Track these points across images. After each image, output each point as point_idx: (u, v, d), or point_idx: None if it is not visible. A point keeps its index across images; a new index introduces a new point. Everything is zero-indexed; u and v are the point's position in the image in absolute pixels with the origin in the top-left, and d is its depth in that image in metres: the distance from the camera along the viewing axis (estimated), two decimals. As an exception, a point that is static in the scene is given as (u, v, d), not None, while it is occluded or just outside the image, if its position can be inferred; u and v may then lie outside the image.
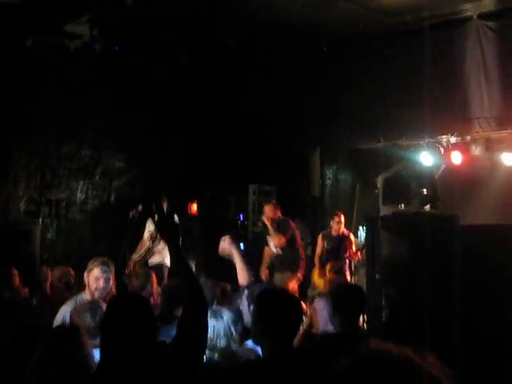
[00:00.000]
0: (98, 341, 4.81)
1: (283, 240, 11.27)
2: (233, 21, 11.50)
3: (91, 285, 6.34)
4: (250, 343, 4.65)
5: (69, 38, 12.23)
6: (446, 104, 11.68)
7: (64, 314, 6.05)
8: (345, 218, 12.16)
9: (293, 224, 11.68)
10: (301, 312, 3.98)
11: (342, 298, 5.28)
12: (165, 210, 3.70)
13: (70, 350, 3.77)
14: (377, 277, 8.61)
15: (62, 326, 4.98)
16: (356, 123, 13.21)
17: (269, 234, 11.59)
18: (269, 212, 11.60)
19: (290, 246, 11.34)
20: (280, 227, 11.39)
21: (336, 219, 11.80)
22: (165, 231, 3.53)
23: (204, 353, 3.57)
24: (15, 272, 8.31)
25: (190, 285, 3.35)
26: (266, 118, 14.00)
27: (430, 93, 11.64)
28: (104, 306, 5.50)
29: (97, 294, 6.28)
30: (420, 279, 7.11)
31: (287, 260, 11.31)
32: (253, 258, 14.21)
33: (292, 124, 13.98)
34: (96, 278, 6.35)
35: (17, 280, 8.27)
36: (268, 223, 11.43)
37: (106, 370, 3.14)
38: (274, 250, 11.55)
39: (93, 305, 5.39)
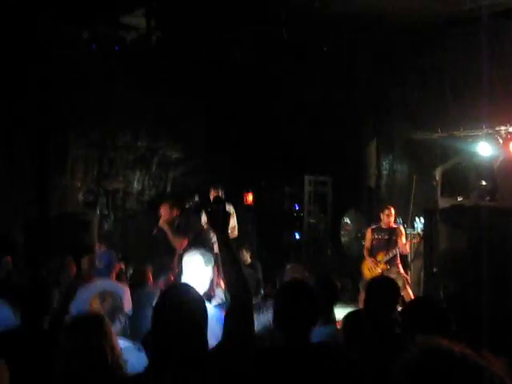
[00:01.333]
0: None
1: (185, 242, 9.72)
2: (287, 11, 11.49)
3: None
4: None
5: (125, 29, 12.36)
6: (504, 94, 11.50)
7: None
8: (399, 210, 12.07)
9: (196, 222, 10.41)
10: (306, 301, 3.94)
11: (373, 290, 5.23)
12: (218, 200, 3.67)
13: (93, 340, 3.71)
14: (434, 270, 8.58)
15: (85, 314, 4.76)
16: (413, 113, 13.10)
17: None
18: (165, 214, 10.14)
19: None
20: (180, 228, 10.01)
21: (386, 212, 11.64)
22: (215, 222, 3.54)
23: (253, 347, 3.57)
24: (71, 261, 8.43)
25: (237, 278, 3.36)
26: (321, 108, 13.97)
27: (488, 83, 11.48)
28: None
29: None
30: (479, 273, 7.06)
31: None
32: (308, 249, 14.30)
33: (348, 114, 13.93)
34: None
35: (74, 269, 8.41)
36: (165, 227, 9.95)
37: (154, 368, 3.15)
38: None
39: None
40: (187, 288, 3.53)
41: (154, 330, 3.19)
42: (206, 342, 3.21)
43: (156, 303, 3.31)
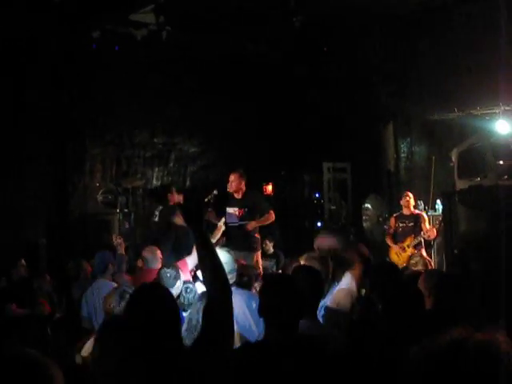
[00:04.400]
0: None
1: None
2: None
3: None
4: None
5: (135, 27, 12.36)
6: (520, 69, 11.35)
7: None
8: (420, 193, 12.02)
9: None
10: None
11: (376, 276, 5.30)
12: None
13: None
14: (455, 251, 8.52)
15: None
16: (428, 94, 12.99)
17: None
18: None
19: None
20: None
21: (405, 199, 11.67)
22: (188, 218, 3.50)
23: (232, 338, 3.55)
24: (86, 265, 8.50)
25: (215, 275, 3.33)
26: (336, 94, 13.91)
27: (504, 59, 11.33)
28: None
29: None
30: (500, 253, 7.00)
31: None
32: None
33: (363, 98, 13.85)
34: None
35: (89, 268, 8.47)
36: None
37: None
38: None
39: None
40: (155, 288, 3.59)
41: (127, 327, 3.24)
42: (178, 338, 3.27)
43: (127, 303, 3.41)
